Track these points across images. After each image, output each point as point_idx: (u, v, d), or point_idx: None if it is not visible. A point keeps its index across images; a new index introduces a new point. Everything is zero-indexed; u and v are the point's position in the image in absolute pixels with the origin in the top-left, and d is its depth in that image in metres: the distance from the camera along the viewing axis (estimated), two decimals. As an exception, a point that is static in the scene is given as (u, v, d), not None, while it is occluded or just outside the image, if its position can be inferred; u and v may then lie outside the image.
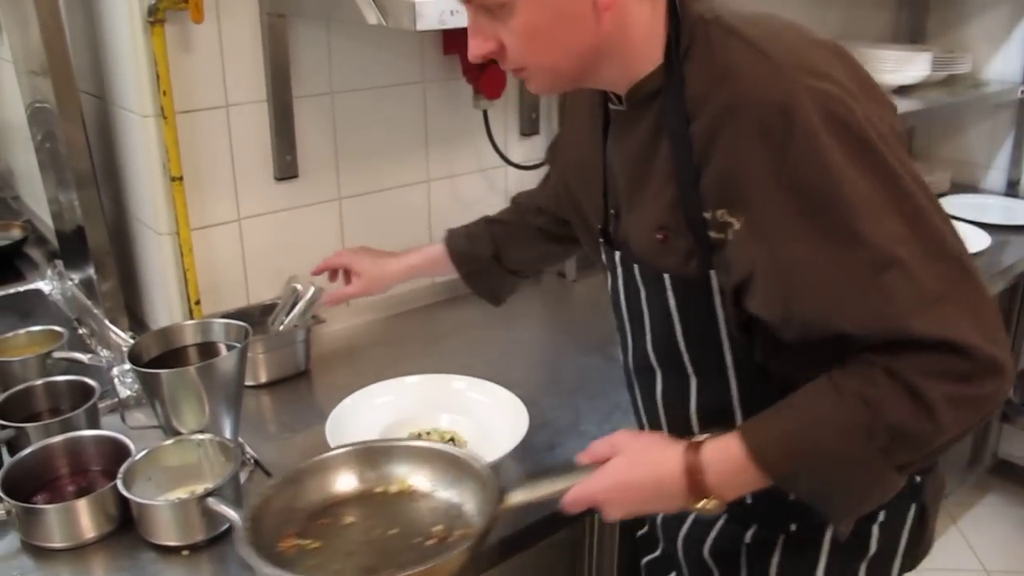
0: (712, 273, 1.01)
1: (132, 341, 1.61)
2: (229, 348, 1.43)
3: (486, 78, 1.87)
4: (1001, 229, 2.69)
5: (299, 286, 1.72)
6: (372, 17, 1.29)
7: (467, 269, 1.57)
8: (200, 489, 1.23)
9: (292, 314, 1.69)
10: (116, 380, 1.56)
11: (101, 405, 1.48)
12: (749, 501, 1.15)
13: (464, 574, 1.00)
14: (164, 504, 1.22)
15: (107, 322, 1.74)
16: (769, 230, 0.93)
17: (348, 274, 1.63)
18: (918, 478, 1.16)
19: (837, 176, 0.89)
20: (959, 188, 3.12)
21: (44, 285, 2.11)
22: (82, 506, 1.21)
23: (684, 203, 0.99)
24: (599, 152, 1.17)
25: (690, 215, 0.99)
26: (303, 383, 1.70)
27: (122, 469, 1.24)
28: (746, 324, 1.03)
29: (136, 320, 1.81)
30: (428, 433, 1.47)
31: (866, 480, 0.96)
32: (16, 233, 2.43)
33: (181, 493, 1.27)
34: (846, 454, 0.93)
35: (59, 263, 2.08)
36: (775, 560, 1.19)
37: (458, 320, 1.97)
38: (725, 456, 0.98)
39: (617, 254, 1.15)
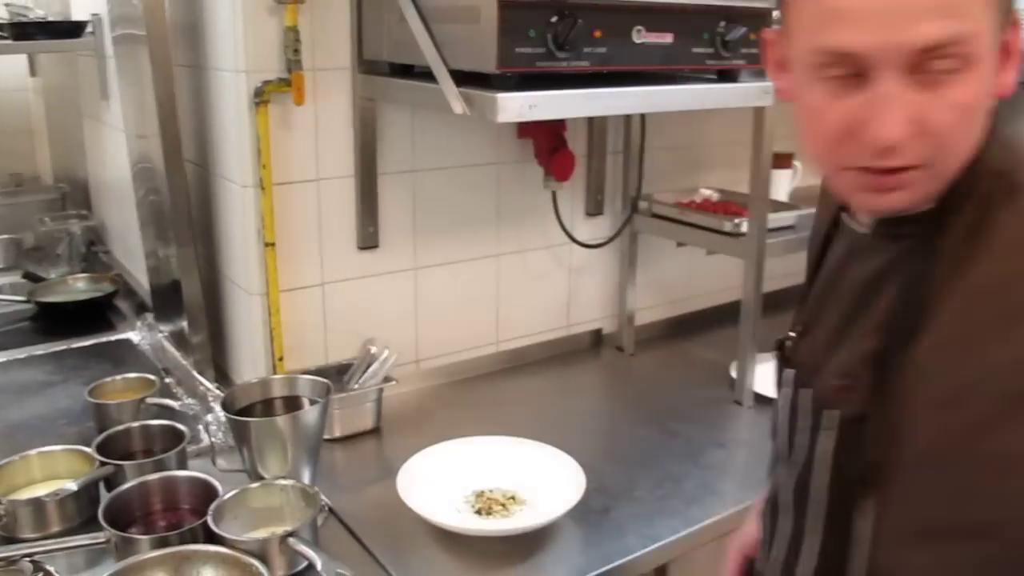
0: None
1: (218, 391, 1.75)
2: (312, 402, 1.55)
3: (557, 161, 2.00)
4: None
5: (374, 348, 1.84)
6: (458, 108, 1.42)
7: None
8: (281, 530, 1.33)
9: (367, 374, 1.81)
10: (202, 427, 1.68)
11: (189, 449, 1.60)
12: None
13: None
14: (249, 541, 1.32)
15: (195, 373, 1.88)
16: None
17: None
18: None
19: None
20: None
21: (134, 335, 2.28)
22: (174, 539, 1.32)
23: (883, 364, 0.85)
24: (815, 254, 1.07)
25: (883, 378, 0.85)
26: (373, 440, 1.81)
27: (212, 507, 1.36)
28: None
29: (221, 373, 1.95)
30: (491, 491, 1.56)
31: None
32: (108, 286, 2.60)
33: (264, 533, 1.38)
34: None
35: (149, 316, 2.24)
36: None
37: (521, 388, 2.07)
38: None
39: (789, 372, 1.03)
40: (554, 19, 1.39)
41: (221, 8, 1.65)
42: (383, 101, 1.77)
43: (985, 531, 0.76)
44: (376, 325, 1.90)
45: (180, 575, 1.27)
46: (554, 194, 2.07)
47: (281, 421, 1.47)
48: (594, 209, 2.22)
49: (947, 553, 0.78)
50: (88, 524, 1.41)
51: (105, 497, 1.43)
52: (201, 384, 1.84)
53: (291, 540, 1.30)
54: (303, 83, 1.64)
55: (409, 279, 1.95)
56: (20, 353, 2.18)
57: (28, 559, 1.31)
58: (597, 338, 2.33)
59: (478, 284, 2.07)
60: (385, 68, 1.69)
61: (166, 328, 2.14)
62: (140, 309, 2.43)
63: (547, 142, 2.00)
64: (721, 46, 1.62)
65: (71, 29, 2.59)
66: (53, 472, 1.56)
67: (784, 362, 1.06)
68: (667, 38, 1.55)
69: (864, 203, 0.89)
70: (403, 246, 1.92)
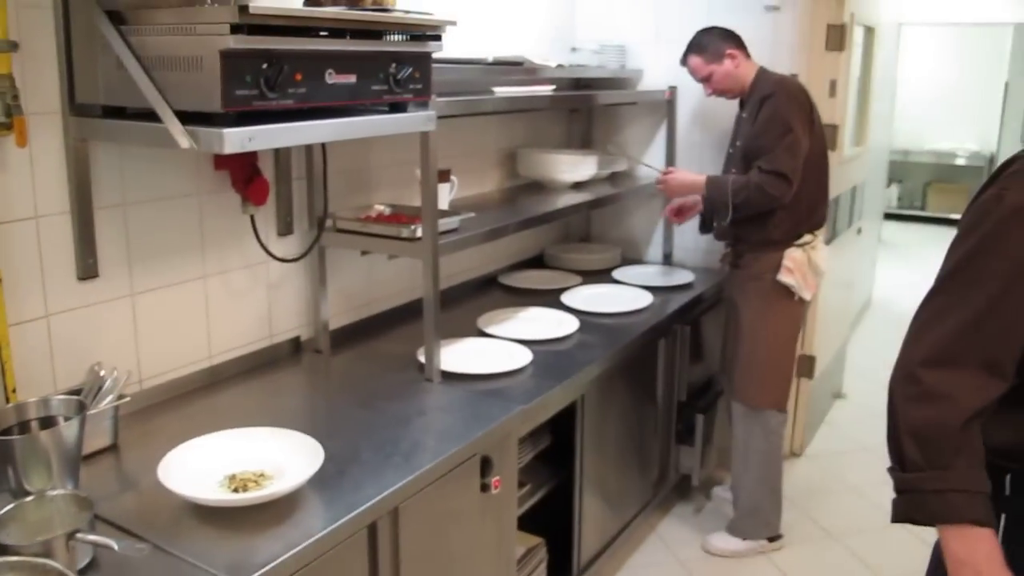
0: None
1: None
2: (67, 419, 1.68)
3: (253, 188, 2.25)
4: (663, 290, 3.41)
5: (103, 371, 1.98)
6: (185, 143, 1.65)
7: None
8: (63, 531, 1.47)
9: (98, 396, 1.94)
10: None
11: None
12: None
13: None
14: (35, 544, 1.44)
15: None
16: None
17: None
18: None
19: None
20: (628, 261, 3.86)
21: None
22: None
23: None
24: None
25: None
26: (113, 455, 1.94)
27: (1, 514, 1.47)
28: None
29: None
30: (242, 473, 1.78)
31: None
32: None
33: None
34: None
35: None
36: None
37: (238, 393, 2.29)
38: None
39: None
40: (264, 66, 1.67)
41: (-77, 60, 1.72)
42: (95, 140, 1.92)
43: None
44: (101, 350, 2.03)
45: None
46: (252, 217, 2.31)
47: (44, 436, 1.60)
48: (285, 229, 2.48)
49: None
50: None
51: None
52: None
53: (79, 536, 1.46)
54: (25, 126, 1.76)
55: (127, 305, 2.09)
56: None
57: None
58: (296, 345, 2.59)
59: (190, 305, 2.25)
60: (98, 111, 1.86)
61: None
62: None
63: (242, 172, 2.24)
64: (394, 83, 1.98)
65: None
66: None
67: None
68: (352, 79, 1.88)
69: None
70: (120, 274, 2.06)
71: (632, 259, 3.93)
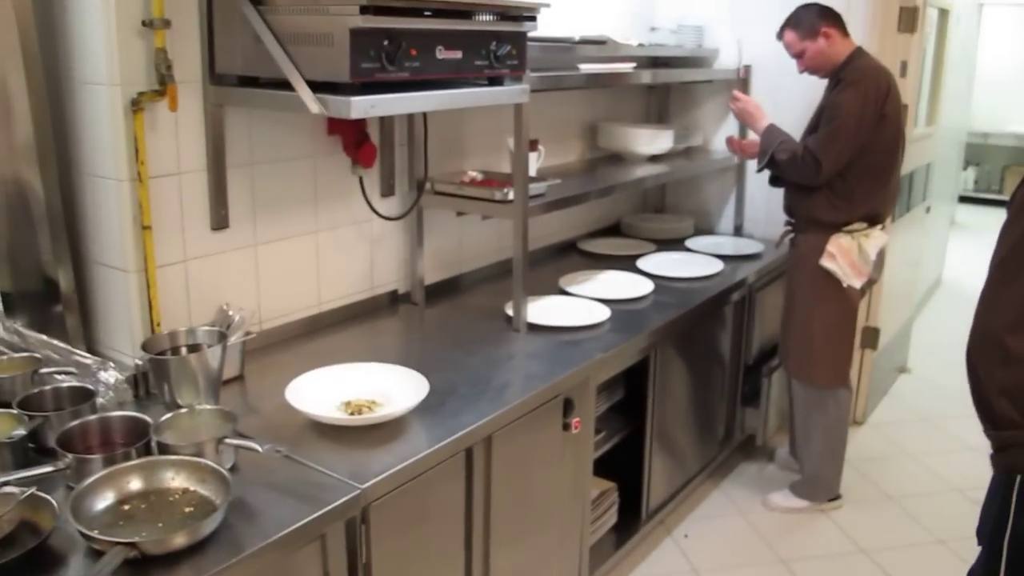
0: None
1: (100, 361, 2.07)
2: (211, 347, 1.95)
3: (363, 152, 2.50)
4: (733, 259, 3.59)
5: (231, 311, 2.25)
6: (315, 108, 1.89)
7: None
8: (214, 435, 1.74)
9: (228, 332, 2.21)
10: (102, 386, 2.01)
11: (100, 401, 1.94)
12: None
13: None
14: (190, 445, 1.71)
15: (71, 348, 2.18)
16: None
17: None
18: None
19: None
20: (700, 231, 4.04)
21: (-27, 332, 2.47)
22: (120, 458, 1.66)
23: None
24: None
25: None
26: (240, 384, 2.21)
27: (155, 425, 1.74)
28: None
29: (91, 349, 2.25)
30: (356, 399, 2.03)
31: None
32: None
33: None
34: None
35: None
36: None
37: (344, 337, 2.56)
38: None
39: None
40: (386, 42, 1.90)
41: (91, 31, 1.98)
42: (230, 106, 2.18)
43: None
44: (228, 293, 2.30)
45: (150, 480, 1.65)
46: (360, 178, 2.56)
47: (193, 359, 1.88)
48: (388, 191, 2.73)
49: None
50: (27, 467, 1.67)
51: (54, 434, 1.75)
52: (82, 357, 2.14)
53: (226, 440, 1.72)
54: (176, 93, 2.03)
55: (251, 254, 2.36)
56: None
57: (7, 486, 1.62)
58: (394, 297, 2.84)
59: (303, 256, 2.51)
60: (234, 80, 2.11)
61: (18, 320, 2.37)
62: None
63: (353, 137, 2.49)
64: (494, 59, 2.20)
65: None
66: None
67: None
68: (458, 54, 2.10)
69: None
70: (246, 227, 2.33)
71: (704, 230, 4.11)
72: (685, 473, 3.30)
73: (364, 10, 1.81)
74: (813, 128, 3.13)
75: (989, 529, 1.77)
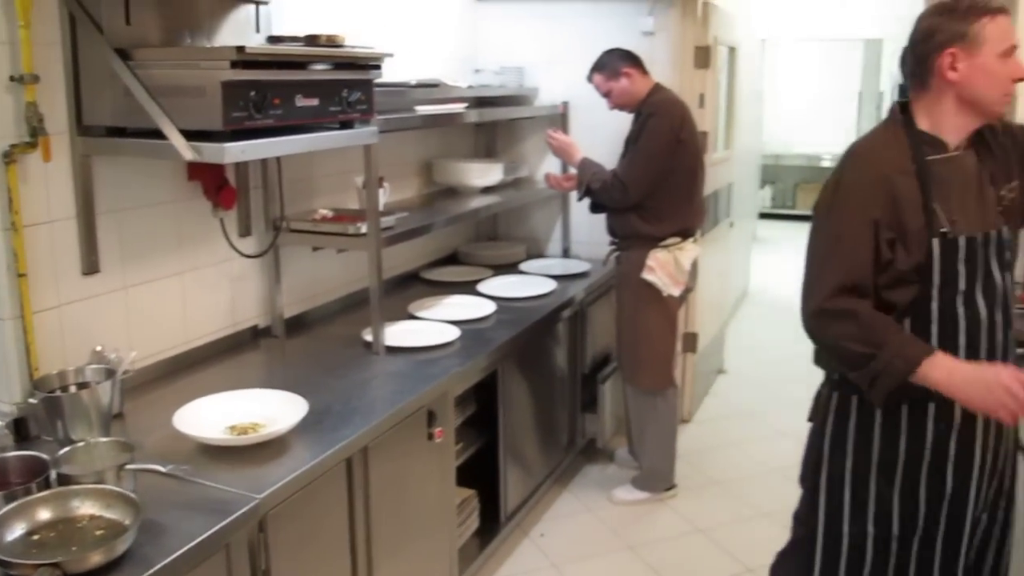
0: None
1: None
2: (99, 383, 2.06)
3: (223, 195, 2.64)
4: (563, 278, 3.93)
5: (104, 352, 2.34)
6: (189, 155, 2.05)
7: None
8: (115, 463, 1.86)
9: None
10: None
11: (-14, 444, 2.01)
12: None
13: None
14: (92, 474, 1.82)
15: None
16: None
17: None
18: None
19: None
20: (532, 256, 4.36)
21: None
22: (21, 492, 1.76)
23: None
24: None
25: None
26: (120, 421, 2.31)
27: (54, 458, 1.84)
28: None
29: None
30: (242, 423, 2.18)
31: None
32: None
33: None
34: None
35: None
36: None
37: (212, 372, 2.67)
38: None
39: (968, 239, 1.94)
40: (252, 93, 2.08)
41: (-42, 91, 2.06)
42: (98, 156, 2.29)
43: None
44: (100, 335, 2.39)
45: (58, 510, 1.75)
46: (222, 220, 2.70)
47: (85, 395, 1.98)
48: (245, 231, 2.88)
49: None
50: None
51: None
52: (-44, 404, 2.19)
53: (128, 466, 1.85)
54: (50, 145, 2.13)
55: (122, 296, 2.46)
56: None
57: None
58: (256, 332, 2.98)
59: (170, 297, 2.63)
60: (102, 131, 2.23)
61: None
62: None
63: (214, 181, 2.63)
64: (346, 105, 2.42)
65: None
66: None
67: (959, 247, 1.92)
68: (315, 101, 2.31)
69: (1000, 112, 1.95)
70: (115, 270, 2.43)
71: (535, 254, 4.44)
72: (536, 478, 3.57)
73: (234, 64, 2.00)
74: (623, 157, 3.52)
75: (809, 472, 2.16)
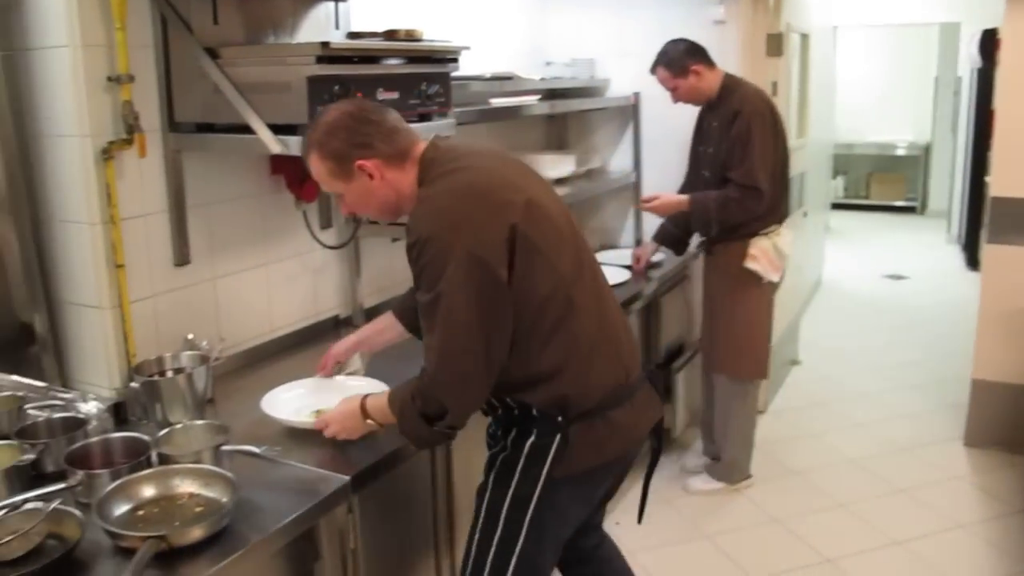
0: None
1: (78, 393, 2.23)
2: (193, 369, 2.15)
3: (306, 188, 2.72)
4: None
5: (194, 339, 2.43)
6: (276, 148, 2.12)
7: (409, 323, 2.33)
8: (213, 443, 1.93)
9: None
10: (85, 415, 2.17)
11: (89, 428, 2.10)
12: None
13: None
14: (191, 454, 1.90)
15: (48, 385, 2.33)
16: None
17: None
18: (559, 417, 1.93)
19: None
20: (605, 246, 4.38)
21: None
22: (125, 471, 1.85)
23: None
24: None
25: None
26: (212, 407, 2.39)
27: (153, 439, 1.93)
28: None
29: (64, 384, 2.40)
30: (325, 408, 2.24)
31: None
32: None
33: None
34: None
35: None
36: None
37: (297, 359, 2.75)
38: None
39: None
40: (336, 87, 2.14)
41: (61, 88, 2.15)
42: (188, 152, 2.38)
43: None
44: (190, 324, 2.48)
45: (161, 487, 1.83)
46: (304, 213, 2.78)
47: (181, 379, 2.07)
48: (326, 223, 2.95)
49: None
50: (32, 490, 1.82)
51: (52, 459, 1.92)
52: (60, 392, 2.29)
53: (224, 448, 1.92)
54: (145, 141, 2.23)
55: (211, 287, 2.55)
56: None
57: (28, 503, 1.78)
58: (337, 321, 3.06)
59: (256, 287, 2.71)
60: (192, 127, 2.32)
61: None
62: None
63: (296, 175, 2.71)
64: (425, 98, 2.47)
65: None
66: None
67: None
68: (395, 95, 2.36)
69: None
70: (205, 262, 2.52)
71: (608, 244, 4.45)
72: (611, 467, 3.58)
73: (319, 60, 2.06)
74: (718, 161, 3.47)
75: None
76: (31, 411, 2.17)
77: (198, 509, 1.80)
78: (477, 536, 2.03)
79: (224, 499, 1.80)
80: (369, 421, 2.00)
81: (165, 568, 1.62)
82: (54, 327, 2.37)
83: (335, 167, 1.89)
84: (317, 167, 1.91)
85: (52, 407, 2.19)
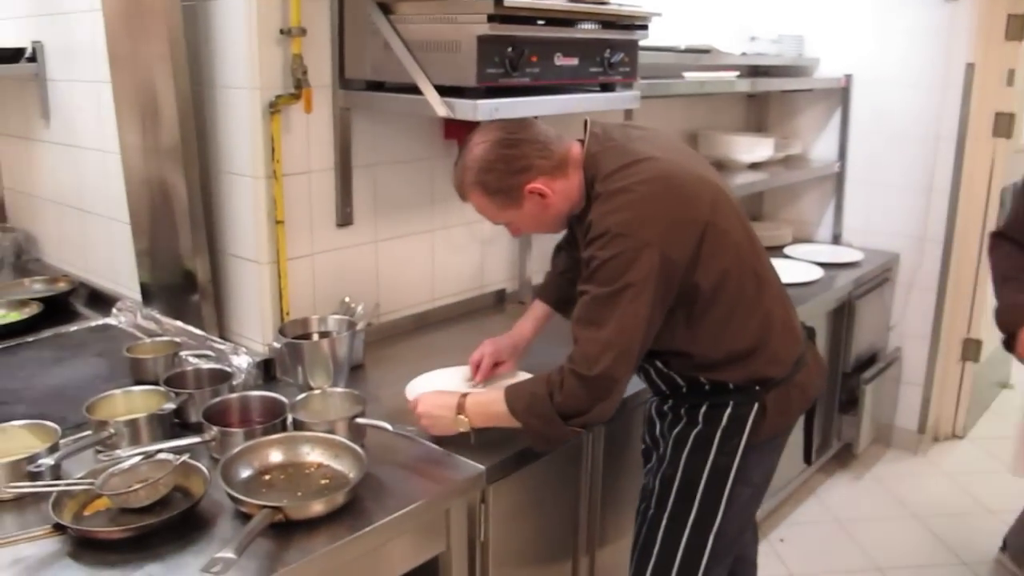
0: None
1: (233, 346, 2.22)
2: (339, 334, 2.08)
3: (477, 154, 2.60)
4: (830, 266, 3.61)
5: (352, 303, 2.37)
6: (443, 111, 2.01)
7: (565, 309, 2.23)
8: (348, 414, 1.86)
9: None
10: (235, 369, 2.15)
11: (234, 383, 2.08)
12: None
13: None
14: (324, 423, 1.83)
15: (206, 334, 2.34)
16: None
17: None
18: (757, 387, 1.89)
19: None
20: (799, 240, 4.06)
21: (111, 320, 2.66)
22: (260, 432, 1.81)
23: None
24: None
25: None
26: (362, 371, 2.34)
27: (290, 403, 1.87)
28: None
29: (222, 335, 2.40)
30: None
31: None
32: (63, 285, 2.95)
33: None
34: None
35: (127, 301, 2.63)
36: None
37: (455, 331, 2.66)
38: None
39: None
40: (509, 49, 2.00)
41: (234, 40, 2.13)
42: (356, 110, 2.31)
43: None
44: (349, 286, 2.43)
45: (289, 454, 1.78)
46: (474, 181, 2.67)
47: (325, 344, 2.01)
48: (497, 193, 2.83)
49: None
50: (173, 439, 1.82)
51: (196, 409, 1.90)
52: (216, 342, 2.29)
53: (358, 420, 1.84)
54: (312, 96, 2.17)
55: (372, 250, 2.49)
56: (16, 340, 2.52)
57: (161, 453, 1.76)
58: (501, 296, 2.95)
59: (419, 254, 2.64)
60: (362, 85, 2.25)
61: (155, 309, 2.55)
62: (92, 302, 2.84)
63: (468, 140, 2.60)
64: (607, 67, 2.29)
65: (11, 56, 2.93)
66: (132, 407, 1.98)
67: None
68: (574, 61, 2.20)
69: None
70: (368, 224, 2.46)
71: (802, 238, 4.13)
72: (781, 478, 3.32)
73: (491, 19, 1.92)
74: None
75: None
76: (188, 358, 2.18)
77: (323, 481, 1.73)
78: (665, 523, 1.97)
79: (351, 474, 1.71)
80: (462, 417, 1.86)
81: (280, 539, 1.55)
82: (216, 278, 2.37)
83: (505, 200, 1.87)
84: (483, 203, 1.90)
85: (206, 357, 2.19)
